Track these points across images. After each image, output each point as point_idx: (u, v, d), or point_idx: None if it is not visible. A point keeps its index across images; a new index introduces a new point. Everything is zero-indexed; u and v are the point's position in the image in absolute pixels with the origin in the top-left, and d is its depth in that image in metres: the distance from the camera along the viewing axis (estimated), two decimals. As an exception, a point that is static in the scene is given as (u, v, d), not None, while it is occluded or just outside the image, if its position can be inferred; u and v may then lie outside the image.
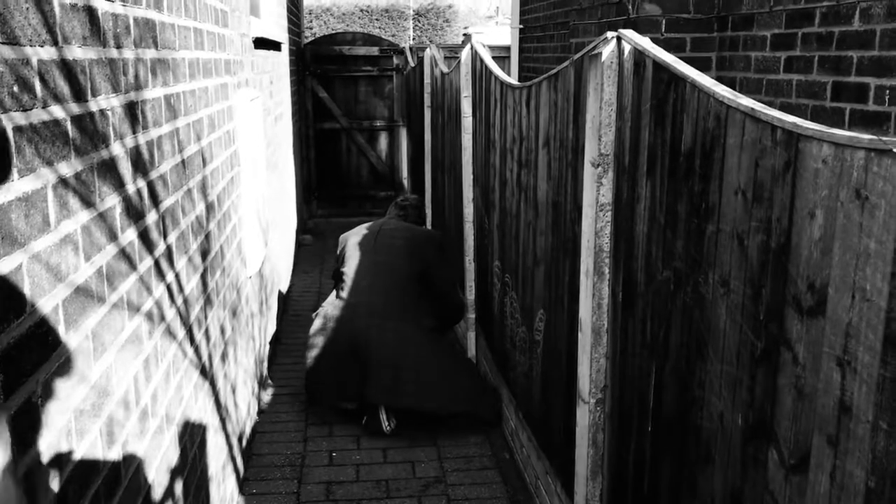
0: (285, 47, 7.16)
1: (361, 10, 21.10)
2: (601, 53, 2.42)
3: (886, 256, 1.29)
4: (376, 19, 21.18)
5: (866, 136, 1.33)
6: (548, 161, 3.18)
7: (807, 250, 1.50)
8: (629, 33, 2.36)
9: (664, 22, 4.46)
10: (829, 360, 1.44)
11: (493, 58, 9.90)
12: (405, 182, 9.14)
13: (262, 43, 5.26)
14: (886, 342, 1.29)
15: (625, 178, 2.40)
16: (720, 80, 4.45)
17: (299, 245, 7.97)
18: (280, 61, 6.66)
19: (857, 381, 1.37)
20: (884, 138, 1.29)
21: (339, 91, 9.02)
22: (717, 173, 1.83)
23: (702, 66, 4.47)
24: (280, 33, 6.44)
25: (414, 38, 21.92)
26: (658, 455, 2.23)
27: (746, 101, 1.71)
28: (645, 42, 2.26)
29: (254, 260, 4.27)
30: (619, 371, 2.51)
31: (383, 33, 21.14)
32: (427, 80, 6.63)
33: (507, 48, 9.51)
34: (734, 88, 4.30)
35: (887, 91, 3.12)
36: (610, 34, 2.45)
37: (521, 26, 8.53)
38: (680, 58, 4.54)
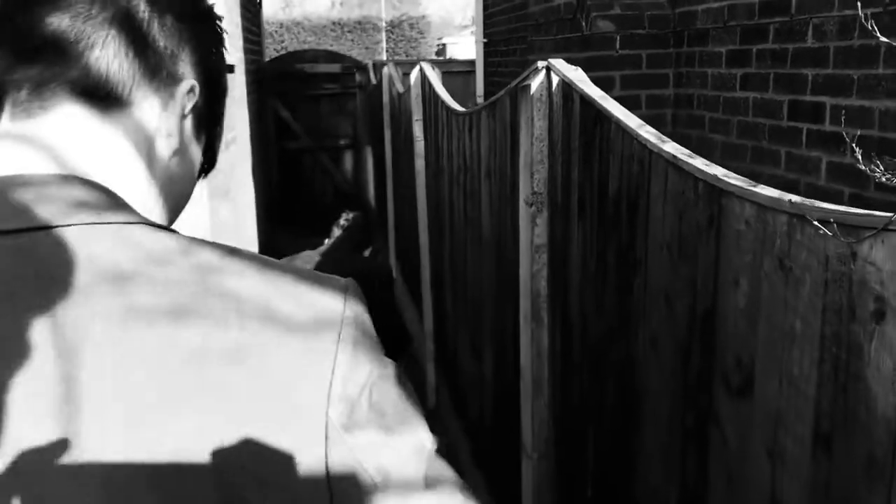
0: (240, 68, 6.97)
1: (333, 23, 20.90)
2: (530, 86, 2.25)
3: (813, 340, 1.12)
4: (349, 31, 20.99)
5: (788, 198, 1.17)
6: (489, 194, 3.01)
7: (732, 320, 1.33)
8: (558, 63, 2.19)
9: (618, 38, 4.31)
10: (759, 447, 1.26)
11: (461, 73, 9.75)
12: (372, 202, 8.95)
13: (206, 67, 5.05)
14: (817, 438, 1.12)
15: (558, 219, 2.23)
16: (678, 97, 4.30)
17: (262, 270, 7.75)
18: (233, 83, 6.46)
19: (787, 475, 1.19)
20: (806, 202, 1.12)
21: (302, 110, 8.81)
22: (643, 223, 1.66)
23: (659, 82, 4.32)
24: (231, 55, 6.25)
25: (388, 50, 21.75)
26: (598, 523, 2.05)
27: (670, 147, 1.55)
28: (572, 74, 2.09)
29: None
30: (562, 424, 2.33)
31: (356, 46, 20.96)
32: (386, 98, 6.46)
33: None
34: (692, 106, 4.15)
35: (843, 111, 2.97)
36: (540, 64, 2.28)
37: (486, 40, 8.38)
38: (636, 75, 4.40)
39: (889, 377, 0.97)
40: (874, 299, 0.99)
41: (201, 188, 4.56)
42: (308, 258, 4.26)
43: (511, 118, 2.62)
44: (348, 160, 9.17)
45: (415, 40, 22.15)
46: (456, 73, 9.73)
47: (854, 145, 1.22)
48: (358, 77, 8.95)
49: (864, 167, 0.99)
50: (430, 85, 4.15)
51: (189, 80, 0.73)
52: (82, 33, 0.67)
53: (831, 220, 1.04)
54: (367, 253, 4.43)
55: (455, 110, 3.52)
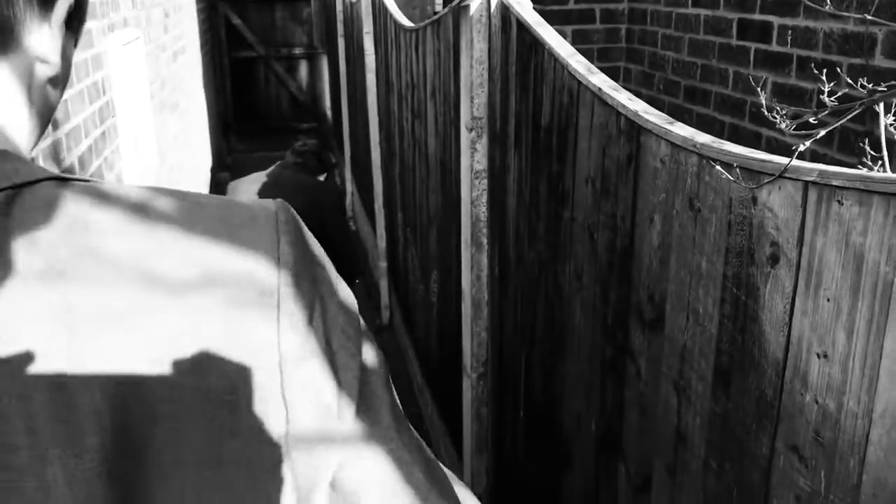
0: (188, -27, 6.68)
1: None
2: (469, 6, 2.19)
3: (717, 280, 1.14)
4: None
5: (701, 139, 1.17)
6: (434, 115, 2.97)
7: (647, 258, 1.35)
8: (498, -17, 2.13)
9: (573, -51, 4.21)
10: (667, 382, 1.31)
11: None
12: (328, 113, 8.80)
13: (148, -26, 4.84)
14: (717, 375, 1.16)
15: (496, 145, 2.21)
16: (632, 11, 4.23)
17: (216, 184, 7.65)
18: (180, -10, 6.21)
19: (691, 410, 1.24)
20: (714, 144, 1.12)
21: (254, 17, 8.52)
22: (571, 157, 1.66)
23: (613, -4, 4.25)
24: (177, -40, 5.97)
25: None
26: (529, 446, 2.12)
27: (596, 80, 1.53)
28: (511, -5, 2.04)
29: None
30: (499, 346, 2.38)
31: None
32: (339, 6, 6.27)
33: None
34: (645, 22, 4.10)
35: (790, 32, 2.96)
36: (481, -17, 2.22)
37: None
38: (589, -12, 4.30)
39: (780, 320, 1.00)
40: (770, 244, 1.01)
41: (147, 103, 4.43)
42: (256, 178, 4.21)
43: (454, 39, 2.57)
44: (304, 70, 8.95)
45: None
46: (415, -21, 9.42)
47: (761, 89, 1.21)
48: (312, -18, 8.65)
49: (768, 113, 0.99)
50: (380, -3, 4.03)
51: None
52: None
53: (734, 165, 1.05)
54: (322, 178, 4.36)
55: (403, 25, 3.44)
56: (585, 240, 1.60)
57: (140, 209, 0.60)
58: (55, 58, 0.64)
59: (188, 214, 0.61)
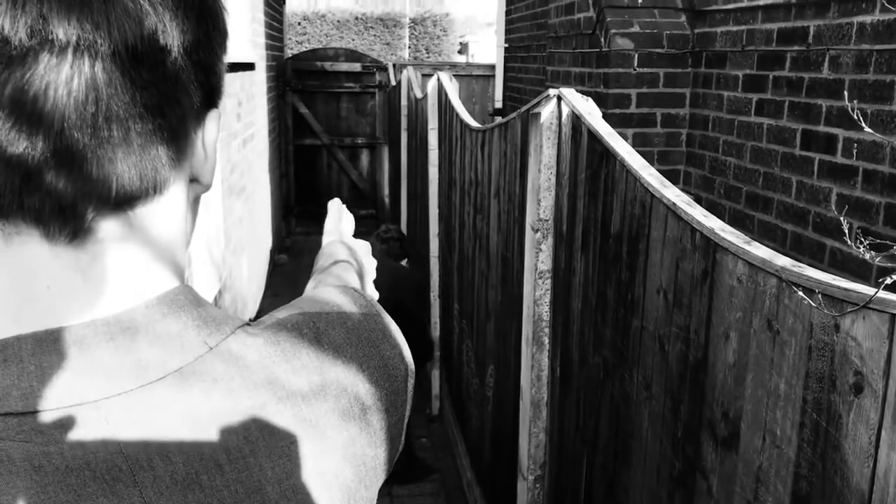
0: (261, 65, 7.01)
1: (356, 18, 20.91)
2: (540, 113, 2.27)
3: (796, 403, 1.14)
4: (371, 27, 21.00)
5: (780, 261, 1.18)
6: (498, 212, 3.03)
7: (722, 374, 1.35)
8: (569, 94, 2.21)
9: (636, 56, 4.32)
10: (741, 502, 1.29)
11: (482, 76, 9.75)
12: (387, 201, 8.99)
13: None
14: (795, 500, 1.14)
15: (562, 248, 2.25)
16: (693, 117, 4.31)
17: (274, 265, 7.81)
18: (253, 80, 6.51)
19: (766, 534, 1.22)
20: (795, 268, 1.14)
21: (321, 107, 8.86)
22: (642, 266, 1.68)
23: (675, 102, 4.33)
24: (252, 52, 6.29)
25: (410, 47, 21.74)
26: (588, 552, 2.08)
27: (670, 194, 1.56)
28: (582, 106, 2.11)
29: (204, 295, 4.11)
30: (558, 449, 2.36)
31: (378, 41, 20.97)
32: (404, 101, 6.49)
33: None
34: (707, 128, 4.16)
35: (855, 144, 2.97)
36: (552, 92, 2.30)
37: (506, 45, 8.39)
38: (653, 93, 4.41)
39: (864, 451, 1.00)
40: (853, 373, 1.01)
41: (217, 187, 4.61)
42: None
43: (521, 142, 2.65)
44: (365, 159, 9.21)
45: (437, 37, 22.12)
46: (477, 76, 9.75)
47: (843, 218, 1.23)
48: (378, 77, 8.99)
49: (850, 242, 1.01)
50: (447, 95, 4.18)
51: (216, 111, 0.63)
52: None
53: (816, 290, 1.07)
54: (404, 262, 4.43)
55: (469, 125, 3.55)
56: (656, 350, 1.60)
57: (271, 323, 0.66)
58: (208, 178, 0.64)
59: (306, 330, 0.67)
